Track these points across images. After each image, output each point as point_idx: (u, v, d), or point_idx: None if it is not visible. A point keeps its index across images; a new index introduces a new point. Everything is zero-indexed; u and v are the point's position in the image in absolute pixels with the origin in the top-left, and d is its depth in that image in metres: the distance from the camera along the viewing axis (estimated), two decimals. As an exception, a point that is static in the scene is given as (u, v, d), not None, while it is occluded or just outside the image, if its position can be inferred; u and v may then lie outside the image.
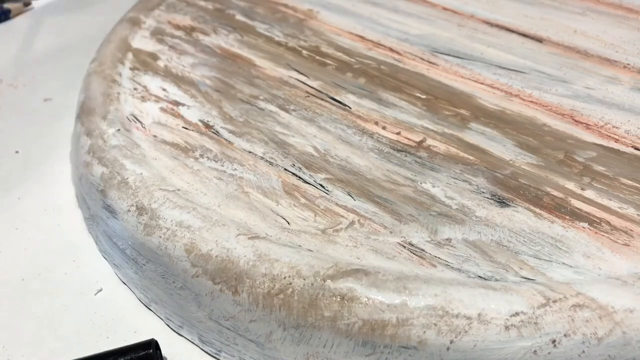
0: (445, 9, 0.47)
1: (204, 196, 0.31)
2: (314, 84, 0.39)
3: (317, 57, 0.41)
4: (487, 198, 0.30)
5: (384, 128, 0.35)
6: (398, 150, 0.34)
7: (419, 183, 0.31)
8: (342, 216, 0.30)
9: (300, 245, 0.28)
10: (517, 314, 0.24)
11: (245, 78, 0.40)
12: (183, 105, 0.38)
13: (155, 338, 0.28)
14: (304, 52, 0.42)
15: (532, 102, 0.37)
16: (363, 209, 0.30)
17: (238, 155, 0.34)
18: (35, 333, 0.30)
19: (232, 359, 0.28)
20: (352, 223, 0.30)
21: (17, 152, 0.41)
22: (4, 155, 0.40)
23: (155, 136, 0.35)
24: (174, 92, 0.39)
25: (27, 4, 0.59)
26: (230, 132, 0.35)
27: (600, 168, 0.32)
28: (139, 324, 0.30)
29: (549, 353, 0.24)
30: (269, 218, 0.30)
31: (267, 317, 0.26)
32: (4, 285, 0.32)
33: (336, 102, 0.37)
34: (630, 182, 0.31)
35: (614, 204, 0.30)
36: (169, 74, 0.40)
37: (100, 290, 0.31)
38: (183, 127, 0.36)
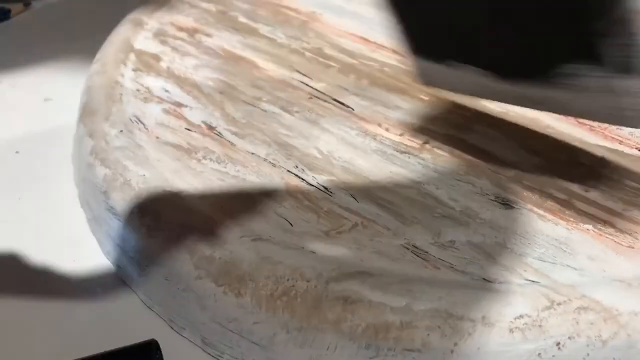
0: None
1: (207, 198, 0.31)
2: (317, 85, 0.39)
3: (320, 59, 0.41)
4: (491, 200, 0.30)
5: (387, 130, 0.35)
6: (401, 152, 0.33)
7: (423, 185, 0.31)
8: (346, 218, 0.30)
9: (303, 248, 0.28)
10: (521, 316, 0.24)
11: (248, 80, 0.40)
12: (186, 106, 0.38)
13: (158, 340, 0.27)
14: (307, 53, 0.42)
15: (535, 103, 0.37)
16: (366, 210, 0.30)
17: (241, 157, 0.34)
18: (36, 333, 0.29)
19: (235, 362, 0.28)
20: (355, 225, 0.29)
21: (17, 152, 0.41)
22: (4, 155, 0.40)
23: (158, 137, 0.35)
24: (177, 94, 0.39)
25: (27, 4, 0.59)
26: (233, 133, 0.35)
27: (604, 170, 0.32)
28: (141, 326, 0.30)
29: (553, 356, 0.24)
30: (272, 220, 0.30)
31: (271, 320, 0.26)
32: (4, 285, 0.32)
33: (339, 104, 0.37)
34: (634, 184, 0.31)
35: (618, 206, 0.30)
36: (171, 76, 0.40)
37: (102, 291, 0.31)
38: (186, 128, 0.36)
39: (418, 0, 0.31)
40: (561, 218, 0.29)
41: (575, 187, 0.31)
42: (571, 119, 0.35)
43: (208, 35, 0.45)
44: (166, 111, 0.37)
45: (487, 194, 0.31)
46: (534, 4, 0.26)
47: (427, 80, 0.34)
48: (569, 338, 0.24)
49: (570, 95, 0.28)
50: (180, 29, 0.46)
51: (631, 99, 0.26)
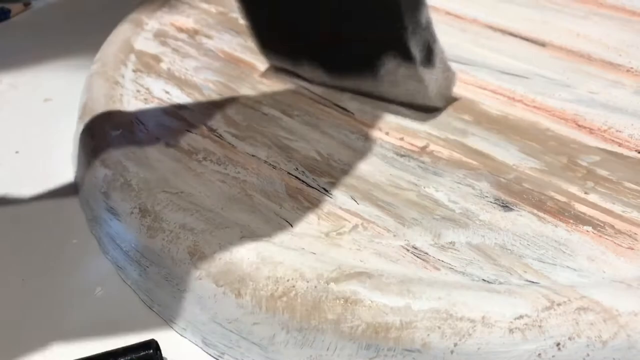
0: (447, 13, 0.47)
1: (207, 199, 0.31)
2: (317, 89, 0.39)
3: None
4: (491, 202, 0.30)
5: (387, 133, 0.35)
6: (401, 155, 0.34)
7: (422, 187, 0.31)
8: (346, 219, 0.30)
9: (303, 248, 0.28)
10: (521, 317, 0.24)
11: (249, 82, 0.40)
12: (186, 108, 0.38)
13: (158, 340, 0.28)
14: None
15: (535, 107, 0.37)
16: (366, 212, 0.30)
17: (241, 159, 0.34)
18: (35, 333, 0.29)
19: (235, 362, 0.28)
20: (355, 226, 0.29)
21: (17, 152, 0.41)
22: (4, 155, 0.40)
23: (158, 138, 0.35)
24: (177, 95, 0.39)
25: (27, 4, 0.59)
26: (234, 135, 0.35)
27: (603, 172, 0.32)
28: (142, 326, 0.29)
29: (553, 356, 0.24)
30: (272, 221, 0.30)
31: (271, 320, 0.26)
32: (4, 285, 0.32)
33: (339, 108, 0.37)
34: (633, 186, 0.31)
35: (617, 208, 0.30)
36: (172, 77, 0.40)
37: (103, 291, 0.31)
38: (186, 130, 0.36)
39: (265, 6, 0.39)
40: (561, 220, 0.29)
41: (574, 190, 0.31)
42: (571, 122, 0.35)
43: (208, 37, 0.45)
44: (166, 112, 0.37)
45: (486, 196, 0.31)
46: (349, 14, 0.35)
47: (274, 65, 0.41)
48: (569, 338, 0.24)
49: (381, 83, 0.36)
50: (181, 30, 0.46)
51: (427, 84, 0.35)
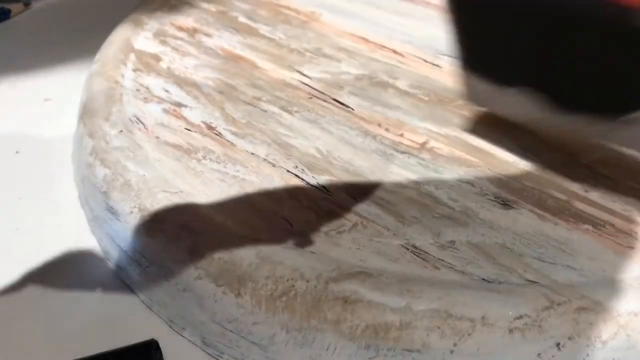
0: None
1: (207, 198, 0.31)
2: (317, 85, 0.39)
3: (320, 59, 0.41)
4: (491, 200, 0.30)
5: (387, 130, 0.35)
6: (401, 152, 0.33)
7: (422, 185, 0.31)
8: (345, 218, 0.30)
9: (303, 248, 0.28)
10: (521, 317, 0.24)
11: (248, 80, 0.40)
12: (185, 106, 0.38)
13: (158, 340, 0.28)
14: (307, 53, 0.42)
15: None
16: (366, 211, 0.30)
17: (241, 157, 0.34)
18: (36, 333, 0.29)
19: (234, 362, 0.28)
20: (355, 225, 0.29)
21: (17, 152, 0.41)
22: (4, 155, 0.40)
23: (157, 137, 0.35)
24: (177, 94, 0.39)
25: (27, 4, 0.59)
26: (233, 133, 0.35)
27: (604, 170, 0.32)
28: (142, 326, 0.30)
29: (553, 356, 0.24)
30: (271, 220, 0.30)
31: (270, 320, 0.26)
32: (4, 285, 0.32)
33: (339, 104, 0.37)
34: (634, 185, 0.31)
35: (618, 206, 0.30)
36: (171, 76, 0.40)
37: (103, 291, 0.31)
38: (186, 128, 0.36)
39: (481, 19, 0.30)
40: (561, 218, 0.29)
41: (575, 188, 0.31)
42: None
43: (208, 35, 0.45)
44: (166, 111, 0.37)
45: (486, 194, 0.31)
46: (618, 36, 0.26)
47: (481, 101, 0.34)
48: (569, 338, 0.24)
49: (619, 131, 0.29)
50: (180, 29, 0.46)
51: None
